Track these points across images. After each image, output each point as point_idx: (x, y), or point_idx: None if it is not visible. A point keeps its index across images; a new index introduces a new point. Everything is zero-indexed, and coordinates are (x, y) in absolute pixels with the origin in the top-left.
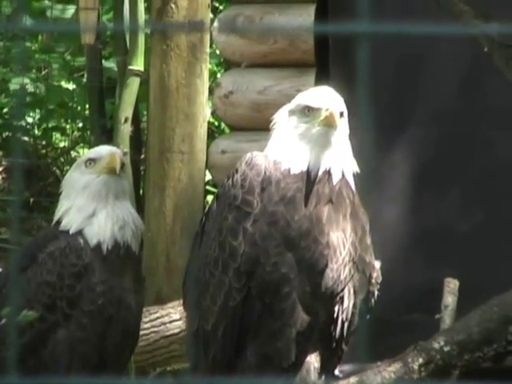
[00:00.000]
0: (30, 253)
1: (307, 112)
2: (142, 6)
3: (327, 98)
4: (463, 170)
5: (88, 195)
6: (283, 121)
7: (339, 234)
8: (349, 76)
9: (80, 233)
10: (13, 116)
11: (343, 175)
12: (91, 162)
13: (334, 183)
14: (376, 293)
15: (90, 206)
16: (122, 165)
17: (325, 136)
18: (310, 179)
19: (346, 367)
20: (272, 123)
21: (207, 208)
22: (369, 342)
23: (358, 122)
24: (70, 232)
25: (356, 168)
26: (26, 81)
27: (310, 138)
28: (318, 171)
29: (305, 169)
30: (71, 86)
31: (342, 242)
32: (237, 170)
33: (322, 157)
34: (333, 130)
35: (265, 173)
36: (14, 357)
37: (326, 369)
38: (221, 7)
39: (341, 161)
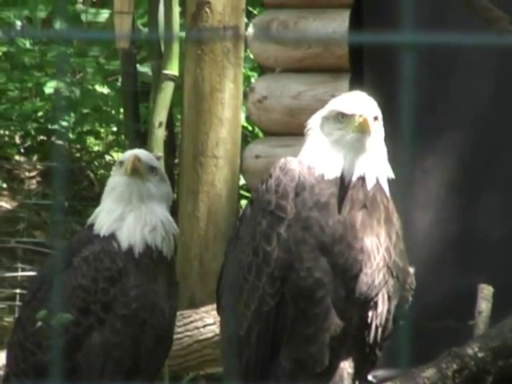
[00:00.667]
0: (65, 257)
1: (341, 118)
2: (176, 10)
3: (361, 104)
4: (497, 175)
5: (114, 197)
6: (317, 127)
7: (373, 240)
8: (383, 81)
9: (113, 237)
10: (53, 120)
11: (377, 180)
12: (121, 164)
13: (369, 189)
14: (410, 298)
15: (117, 209)
16: (152, 168)
17: (359, 142)
18: (343, 185)
19: (380, 373)
20: (306, 129)
21: (241, 213)
22: (409, 349)
23: (393, 127)
24: (101, 234)
25: (391, 173)
26: (61, 85)
27: (344, 145)
28: (352, 177)
29: (339, 175)
30: (106, 90)
31: (376, 248)
32: (271, 175)
33: (356, 162)
34: (367, 136)
35: (299, 178)
36: (58, 361)
37: (360, 374)
38: (255, 11)
39: (375, 166)
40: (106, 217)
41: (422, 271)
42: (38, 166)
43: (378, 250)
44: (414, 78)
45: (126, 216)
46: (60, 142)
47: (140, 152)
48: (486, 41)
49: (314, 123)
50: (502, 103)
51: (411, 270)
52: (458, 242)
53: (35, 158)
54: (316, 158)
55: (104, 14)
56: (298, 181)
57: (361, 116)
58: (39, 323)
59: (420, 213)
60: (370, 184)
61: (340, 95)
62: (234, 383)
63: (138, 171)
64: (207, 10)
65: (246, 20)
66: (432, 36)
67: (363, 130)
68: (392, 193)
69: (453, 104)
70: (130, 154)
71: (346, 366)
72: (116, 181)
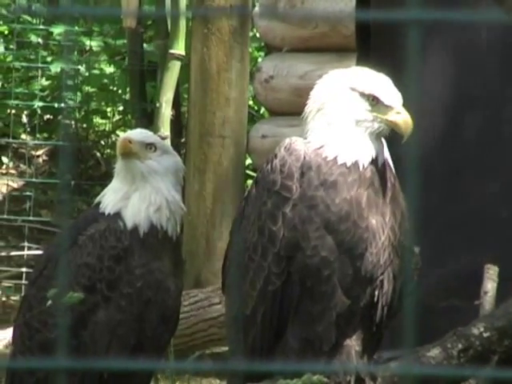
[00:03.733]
0: (71, 235)
1: (372, 101)
2: None
3: (396, 94)
4: (504, 156)
5: (120, 178)
6: (334, 95)
7: (378, 218)
8: (390, 61)
9: (119, 215)
10: (59, 99)
11: (386, 159)
12: None
13: (378, 168)
14: (415, 278)
15: (122, 188)
16: (150, 145)
17: (386, 133)
18: (356, 167)
19: (385, 353)
20: (315, 100)
21: (246, 192)
22: (416, 328)
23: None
24: (106, 213)
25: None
26: (68, 64)
27: (368, 129)
28: (366, 160)
29: (353, 157)
30: (112, 69)
31: (382, 227)
32: (276, 156)
33: (372, 147)
34: (406, 135)
35: (304, 158)
36: (64, 339)
37: (367, 353)
38: None
39: (385, 145)
40: (111, 195)
41: (428, 251)
42: (45, 145)
43: (383, 229)
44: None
45: (130, 195)
46: (67, 121)
47: (132, 132)
48: (491, 18)
49: (326, 97)
50: (507, 90)
51: (416, 249)
52: (465, 223)
53: (42, 136)
54: (329, 138)
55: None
56: (304, 160)
57: (398, 113)
58: (49, 302)
59: (427, 193)
60: (379, 163)
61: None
62: (240, 362)
63: (129, 152)
64: None
65: None
66: (437, 13)
67: (404, 130)
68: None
69: (462, 84)
70: (121, 136)
71: (354, 344)
72: (119, 162)
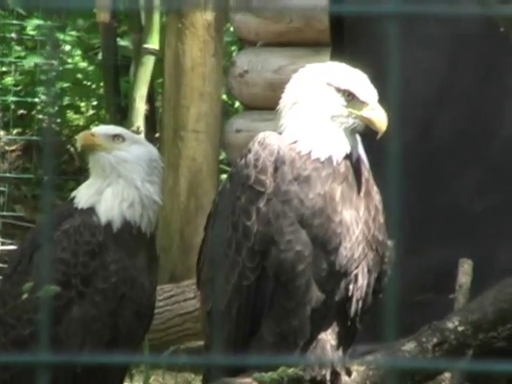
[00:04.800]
0: (45, 231)
1: (347, 96)
2: None
3: (371, 90)
4: (478, 151)
5: (93, 172)
6: (309, 91)
7: (352, 213)
8: (365, 55)
9: (93, 210)
10: (33, 94)
11: (360, 153)
12: None
13: (352, 162)
14: (389, 272)
15: (95, 183)
16: (117, 136)
17: (360, 129)
18: (330, 161)
19: (360, 347)
20: (287, 98)
21: (221, 187)
22: (388, 322)
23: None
24: (79, 207)
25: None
26: (41, 59)
27: (342, 124)
28: (340, 155)
29: (327, 152)
30: (86, 64)
31: (356, 221)
32: (250, 150)
33: (347, 142)
34: (381, 132)
35: (278, 152)
36: (46, 333)
37: (342, 346)
38: None
39: (359, 139)
40: (85, 190)
41: (403, 245)
42: (18, 140)
43: (357, 224)
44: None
45: (103, 190)
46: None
47: (96, 128)
48: (467, 12)
49: (301, 91)
50: (488, 79)
51: (390, 243)
52: (439, 217)
53: (15, 131)
54: (303, 133)
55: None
56: (278, 155)
57: (373, 109)
58: (25, 296)
59: (401, 187)
60: (353, 158)
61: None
62: (215, 356)
63: (92, 145)
64: None
65: None
66: (413, 6)
67: (379, 127)
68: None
69: (436, 78)
70: (82, 132)
71: (329, 338)
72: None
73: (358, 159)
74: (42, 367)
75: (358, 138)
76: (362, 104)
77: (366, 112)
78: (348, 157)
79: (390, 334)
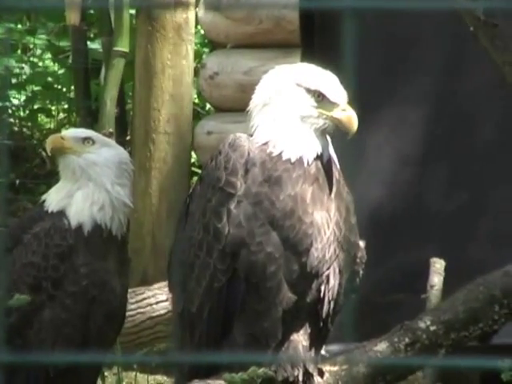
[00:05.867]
0: (15, 234)
1: (317, 97)
2: None
3: (341, 91)
4: (447, 151)
5: (63, 176)
6: (276, 96)
7: (323, 214)
8: (335, 56)
9: (63, 214)
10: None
11: (330, 155)
12: None
13: (323, 163)
14: (361, 272)
15: (65, 186)
16: (86, 139)
17: (331, 129)
18: (300, 162)
19: (333, 347)
20: (258, 99)
21: (191, 189)
22: (355, 322)
23: None
24: (49, 211)
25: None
26: (11, 62)
27: (314, 125)
28: (310, 156)
29: (298, 153)
30: (56, 68)
31: (327, 222)
32: (220, 152)
33: (317, 143)
34: (351, 133)
35: (248, 154)
36: (2, 336)
37: (314, 347)
38: None
39: (329, 141)
40: (55, 194)
41: (374, 246)
42: None
43: (328, 225)
44: (356, 46)
45: (73, 193)
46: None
47: (66, 131)
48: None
49: (271, 92)
50: (453, 79)
51: (362, 243)
52: (409, 217)
53: None
54: (274, 134)
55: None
56: (248, 157)
57: (344, 110)
58: None
59: (371, 187)
60: (324, 159)
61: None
62: (186, 355)
63: (61, 148)
64: None
65: None
66: (374, 1)
67: (349, 128)
68: (342, 166)
69: (404, 78)
70: (51, 136)
71: (301, 339)
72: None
73: (329, 160)
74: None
75: (329, 138)
76: (332, 105)
77: (336, 113)
78: (319, 158)
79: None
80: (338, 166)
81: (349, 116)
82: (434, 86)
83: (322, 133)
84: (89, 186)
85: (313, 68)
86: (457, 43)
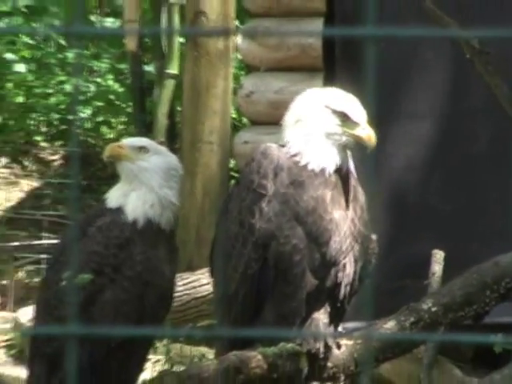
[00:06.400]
0: (82, 227)
1: (342, 117)
2: (176, 17)
3: (362, 112)
4: (447, 157)
5: (120, 179)
6: (309, 111)
7: (341, 213)
8: (353, 79)
9: (121, 210)
10: (69, 111)
11: (349, 166)
12: None
13: (342, 174)
14: (373, 261)
15: (123, 187)
16: (142, 148)
17: (352, 145)
18: (323, 173)
19: (349, 324)
20: (292, 115)
21: (229, 190)
22: (372, 304)
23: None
24: (109, 207)
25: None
26: (80, 82)
27: (338, 141)
28: (331, 167)
29: (321, 165)
30: (117, 87)
31: (343, 219)
32: (253, 159)
33: (338, 157)
34: (369, 148)
35: (277, 161)
36: (74, 310)
37: (333, 324)
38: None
39: (349, 154)
40: (114, 193)
41: (385, 239)
42: (60, 151)
43: (344, 221)
44: (376, 70)
45: (129, 193)
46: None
47: (127, 140)
48: (433, 34)
49: (302, 111)
50: (453, 97)
51: (374, 237)
52: (416, 215)
53: (58, 144)
54: (302, 147)
55: (116, 23)
56: (277, 163)
57: (364, 129)
58: (64, 282)
59: (382, 189)
60: (344, 170)
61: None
62: (225, 330)
63: (118, 155)
64: (203, 18)
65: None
66: (388, 30)
67: (368, 144)
68: (359, 173)
69: (409, 97)
70: (111, 144)
71: (322, 317)
72: None
73: (347, 171)
74: (71, 338)
75: (349, 152)
76: (354, 124)
77: (357, 131)
78: (339, 169)
79: (367, 313)
80: (355, 175)
81: (369, 134)
82: (437, 103)
83: (343, 148)
84: (141, 188)
85: (339, 92)
86: (458, 68)
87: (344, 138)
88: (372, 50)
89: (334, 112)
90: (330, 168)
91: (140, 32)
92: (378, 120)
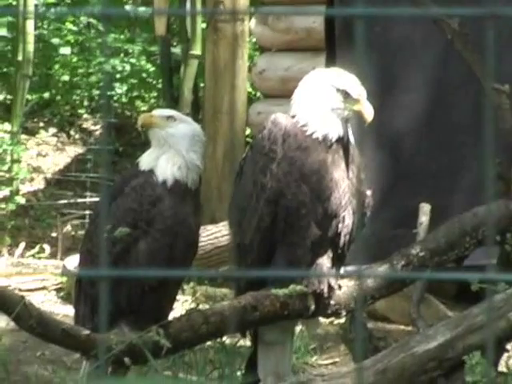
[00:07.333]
0: (118, 187)
1: (344, 94)
2: (199, 5)
3: (362, 90)
4: (434, 123)
5: (152, 144)
6: (316, 88)
7: (340, 173)
8: (351, 58)
9: (152, 172)
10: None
11: (349, 137)
12: None
13: (343, 143)
14: (368, 213)
15: (153, 152)
16: (170, 117)
17: (352, 118)
18: (326, 141)
19: (349, 268)
20: (302, 90)
21: (244, 154)
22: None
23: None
24: (142, 170)
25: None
26: (117, 62)
27: (340, 115)
28: (333, 137)
29: (324, 133)
30: (149, 67)
31: (342, 178)
32: (264, 127)
33: (341, 128)
34: (367, 122)
35: (285, 128)
36: (105, 255)
37: (335, 268)
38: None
39: (349, 126)
40: (146, 157)
41: (380, 195)
42: (100, 122)
43: (343, 180)
44: (373, 50)
45: (159, 157)
46: (115, 105)
47: (157, 110)
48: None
49: (310, 88)
50: (438, 73)
51: (369, 192)
52: (406, 173)
53: (98, 115)
54: (309, 118)
55: (147, 12)
56: (285, 130)
57: (363, 103)
58: (105, 234)
59: (379, 152)
60: (344, 139)
61: (328, 69)
62: (242, 271)
63: (149, 123)
64: (221, 6)
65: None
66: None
67: (366, 118)
68: (356, 139)
69: (404, 73)
70: (143, 114)
71: (325, 262)
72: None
73: (347, 140)
74: (102, 280)
75: (349, 125)
76: (354, 100)
77: (357, 107)
78: (340, 139)
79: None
80: (354, 144)
81: (367, 109)
82: (425, 78)
83: (345, 121)
84: (170, 152)
85: (342, 72)
86: (443, 48)
87: (346, 113)
88: (361, 28)
89: (338, 90)
90: (333, 137)
91: (168, 12)
92: (377, 92)
